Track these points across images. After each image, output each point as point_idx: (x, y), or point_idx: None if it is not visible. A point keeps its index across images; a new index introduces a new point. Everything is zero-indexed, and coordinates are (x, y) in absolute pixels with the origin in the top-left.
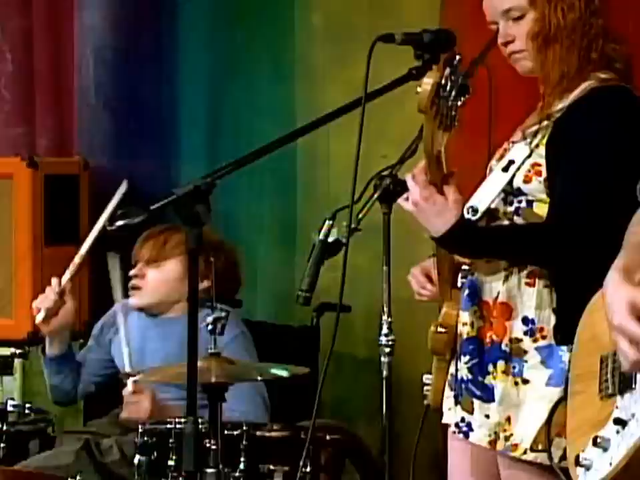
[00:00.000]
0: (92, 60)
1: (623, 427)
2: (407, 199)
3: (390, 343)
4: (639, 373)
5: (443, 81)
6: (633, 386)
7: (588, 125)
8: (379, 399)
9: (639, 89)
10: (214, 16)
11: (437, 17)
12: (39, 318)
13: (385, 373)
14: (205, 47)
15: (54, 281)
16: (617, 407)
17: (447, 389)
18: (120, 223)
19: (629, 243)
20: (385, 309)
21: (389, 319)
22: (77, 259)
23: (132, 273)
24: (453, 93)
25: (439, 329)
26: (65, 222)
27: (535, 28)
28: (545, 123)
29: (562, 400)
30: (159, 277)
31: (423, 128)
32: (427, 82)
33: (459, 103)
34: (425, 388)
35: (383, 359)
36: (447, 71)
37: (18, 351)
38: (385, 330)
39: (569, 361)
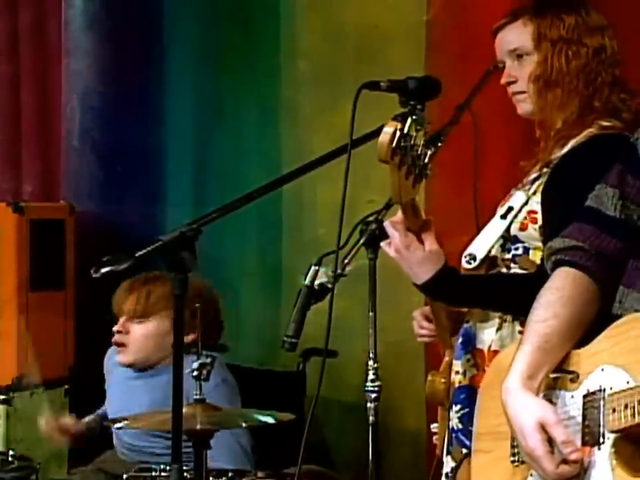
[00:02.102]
0: (78, 105)
1: None
2: (390, 244)
3: (376, 388)
4: None
5: (406, 130)
6: None
7: (583, 173)
8: (365, 445)
9: None
10: (201, 61)
11: (422, 63)
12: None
13: (371, 418)
14: (192, 92)
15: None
16: (531, 475)
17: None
18: (105, 269)
19: (534, 335)
20: (371, 354)
21: (375, 365)
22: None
23: (115, 328)
24: (421, 142)
25: (437, 378)
26: (50, 267)
27: (537, 71)
28: (545, 170)
29: (467, 455)
30: (144, 334)
31: None
32: (386, 131)
33: (429, 152)
34: (435, 437)
35: (369, 404)
36: (409, 120)
37: (2, 397)
38: (371, 376)
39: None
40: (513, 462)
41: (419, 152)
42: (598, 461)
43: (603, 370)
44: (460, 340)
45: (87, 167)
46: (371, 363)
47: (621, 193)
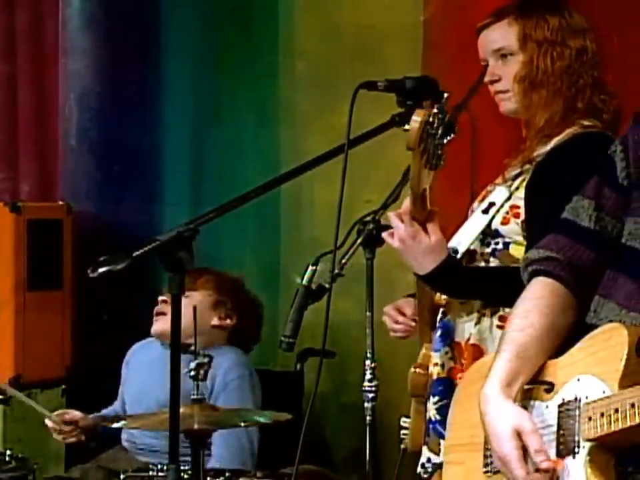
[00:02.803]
0: (76, 105)
1: None
2: (392, 235)
3: (373, 388)
4: None
5: (431, 119)
6: None
7: (566, 170)
8: (363, 445)
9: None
10: (198, 61)
11: (419, 63)
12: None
13: (368, 418)
14: (189, 91)
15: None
16: None
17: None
18: (102, 269)
19: (511, 344)
20: (369, 354)
21: (373, 364)
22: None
23: (161, 298)
24: (440, 132)
25: (418, 370)
26: (48, 267)
27: (523, 71)
28: (527, 166)
29: (438, 468)
30: (186, 304)
31: (405, 173)
32: (416, 119)
33: (445, 142)
34: (402, 432)
35: (366, 404)
36: (435, 109)
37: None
38: (368, 375)
39: None
40: (485, 472)
41: (438, 142)
42: (573, 469)
43: (579, 380)
44: (439, 333)
45: (84, 167)
46: (368, 362)
47: (596, 204)
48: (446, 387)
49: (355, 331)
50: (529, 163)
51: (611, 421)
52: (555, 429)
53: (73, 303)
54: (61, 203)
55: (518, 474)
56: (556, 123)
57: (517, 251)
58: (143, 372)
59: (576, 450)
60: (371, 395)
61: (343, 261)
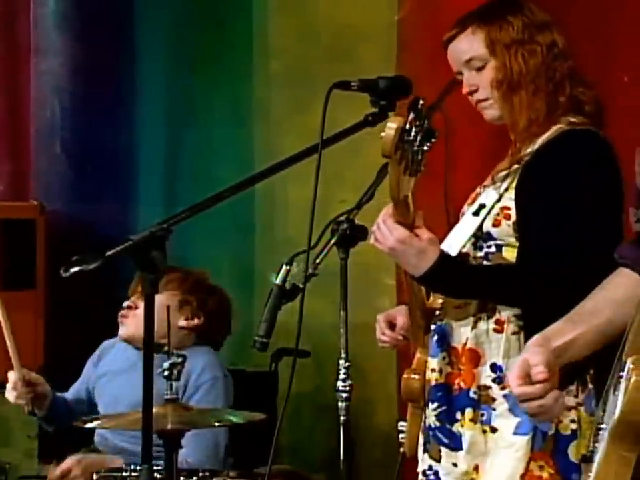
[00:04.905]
0: (49, 104)
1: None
2: (379, 241)
3: (348, 388)
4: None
5: (407, 126)
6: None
7: (557, 169)
8: (337, 445)
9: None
10: (173, 61)
11: (394, 62)
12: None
13: (342, 418)
14: (164, 91)
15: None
16: None
17: (420, 436)
18: (75, 269)
19: (574, 312)
20: (343, 354)
21: (347, 364)
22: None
23: (125, 304)
24: (419, 138)
25: (412, 376)
26: (21, 266)
27: (498, 76)
28: (515, 166)
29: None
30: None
31: (380, 173)
32: (391, 127)
33: (425, 148)
34: (401, 436)
35: (340, 404)
36: (411, 115)
37: None
38: (342, 375)
39: None
40: None
41: (417, 148)
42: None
43: None
44: (435, 338)
45: (57, 167)
46: (342, 362)
47: None
48: (444, 393)
49: (330, 331)
50: (517, 163)
51: None
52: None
53: (46, 303)
54: (34, 202)
55: (512, 382)
56: (542, 121)
57: (510, 254)
58: (115, 378)
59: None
60: (345, 395)
61: (317, 260)
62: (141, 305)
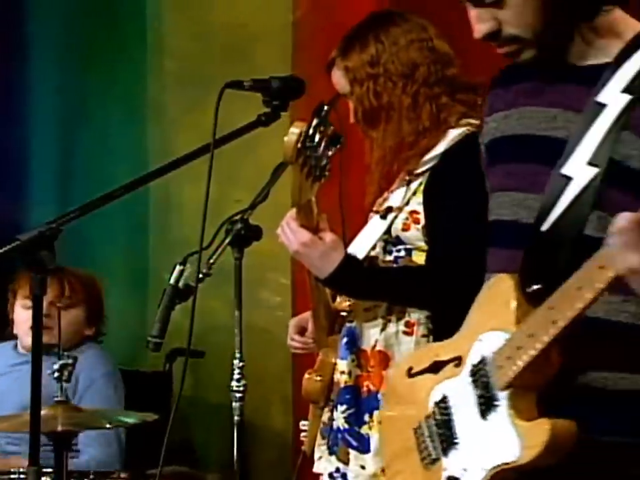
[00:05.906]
0: None
1: None
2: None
3: (242, 388)
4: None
5: (311, 131)
6: (456, 440)
7: (462, 172)
8: (231, 445)
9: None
10: (65, 59)
11: (290, 62)
12: None
13: (236, 418)
14: (57, 89)
15: None
16: (444, 469)
17: (318, 437)
18: None
19: None
20: (237, 354)
21: (241, 364)
22: None
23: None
24: (323, 143)
25: (314, 377)
26: None
27: (356, 114)
28: (420, 170)
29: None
30: (69, 321)
31: (274, 172)
32: (293, 132)
33: (330, 153)
34: (302, 434)
35: (234, 404)
36: (315, 120)
37: None
38: (236, 375)
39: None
40: (425, 465)
41: (321, 153)
42: (498, 423)
43: (480, 340)
44: (345, 340)
45: None
46: (236, 362)
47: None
48: (353, 395)
49: (225, 331)
50: (422, 167)
51: (515, 360)
52: (473, 395)
53: None
54: None
55: None
56: (417, 139)
57: (419, 258)
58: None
59: (495, 403)
60: (239, 395)
61: (211, 260)
62: (54, 312)
